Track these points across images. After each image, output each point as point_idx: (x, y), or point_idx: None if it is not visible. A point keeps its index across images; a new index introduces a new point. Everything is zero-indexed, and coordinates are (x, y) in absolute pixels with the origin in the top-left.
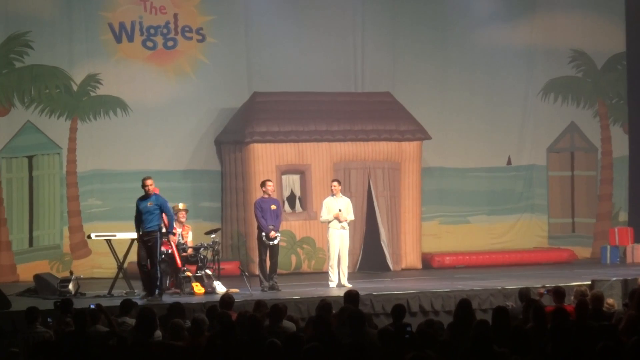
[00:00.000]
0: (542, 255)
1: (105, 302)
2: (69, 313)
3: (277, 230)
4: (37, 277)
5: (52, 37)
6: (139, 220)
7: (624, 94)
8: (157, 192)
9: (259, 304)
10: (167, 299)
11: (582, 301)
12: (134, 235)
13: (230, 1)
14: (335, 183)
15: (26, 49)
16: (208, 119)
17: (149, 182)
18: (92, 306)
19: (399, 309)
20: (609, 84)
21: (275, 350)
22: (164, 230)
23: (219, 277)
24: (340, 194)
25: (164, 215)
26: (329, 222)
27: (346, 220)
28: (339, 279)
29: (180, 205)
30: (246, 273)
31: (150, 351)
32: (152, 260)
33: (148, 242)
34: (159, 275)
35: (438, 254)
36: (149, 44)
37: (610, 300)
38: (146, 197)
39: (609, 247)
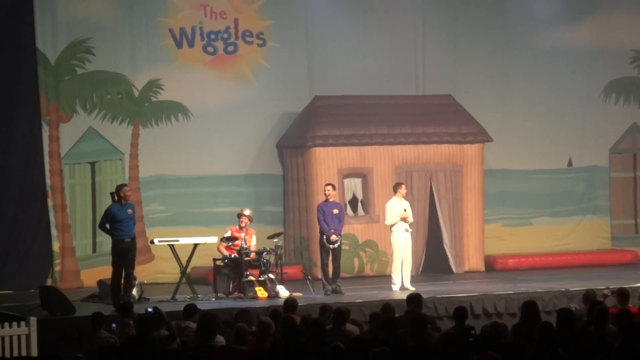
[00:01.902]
0: (605, 256)
1: (169, 307)
2: (129, 316)
3: (339, 234)
4: (101, 283)
5: (113, 43)
6: (115, 228)
7: None
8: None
9: (325, 308)
10: (231, 303)
11: None
12: (198, 240)
13: (290, 5)
14: (329, 187)
15: (88, 55)
16: (269, 124)
17: (127, 188)
18: (149, 309)
19: (461, 311)
20: None
21: (339, 353)
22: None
23: (281, 281)
24: (402, 198)
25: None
26: (395, 224)
27: (410, 222)
28: (402, 282)
29: (247, 212)
30: (309, 277)
31: (213, 355)
32: (133, 266)
33: (133, 249)
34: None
35: (501, 256)
36: (210, 49)
37: None
38: (124, 204)
39: None
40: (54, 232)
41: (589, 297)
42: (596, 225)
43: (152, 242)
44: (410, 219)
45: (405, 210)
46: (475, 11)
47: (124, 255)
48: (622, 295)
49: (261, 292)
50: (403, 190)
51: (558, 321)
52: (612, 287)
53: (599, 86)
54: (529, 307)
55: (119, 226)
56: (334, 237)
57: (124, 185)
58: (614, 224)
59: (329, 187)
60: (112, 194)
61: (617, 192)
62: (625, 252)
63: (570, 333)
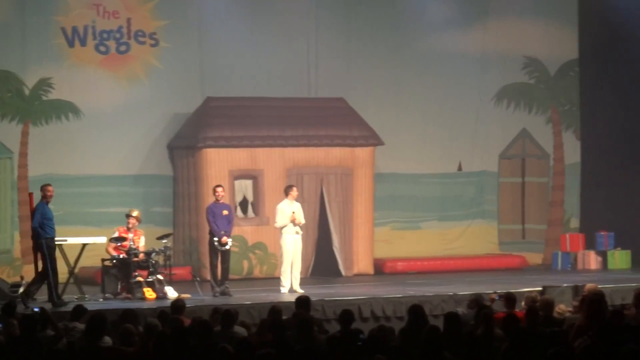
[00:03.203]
0: (493, 261)
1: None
2: (13, 317)
3: (229, 236)
4: None
5: (4, 41)
6: (47, 225)
7: (576, 101)
8: None
9: (216, 310)
10: (118, 304)
11: (532, 307)
12: (86, 240)
13: (184, 6)
14: (220, 189)
15: None
16: (161, 124)
17: (51, 188)
18: (36, 309)
19: (347, 315)
20: (561, 90)
21: (226, 355)
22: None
23: (170, 282)
24: (294, 200)
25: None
26: (285, 226)
27: (300, 224)
28: (291, 284)
29: (134, 213)
30: (198, 278)
31: (100, 356)
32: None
33: (55, 247)
34: None
35: (390, 259)
36: (102, 48)
37: (561, 306)
38: (47, 203)
39: (560, 253)
40: None
41: (476, 301)
42: (484, 230)
43: None
44: (302, 221)
45: (294, 212)
46: (369, 15)
47: (55, 252)
48: (509, 299)
49: (149, 293)
50: (294, 192)
51: (445, 325)
52: (499, 291)
53: (490, 91)
54: (415, 311)
55: (50, 224)
56: (225, 239)
57: (49, 185)
58: (501, 229)
59: (220, 189)
60: (31, 194)
61: (506, 197)
62: (513, 257)
63: (457, 337)
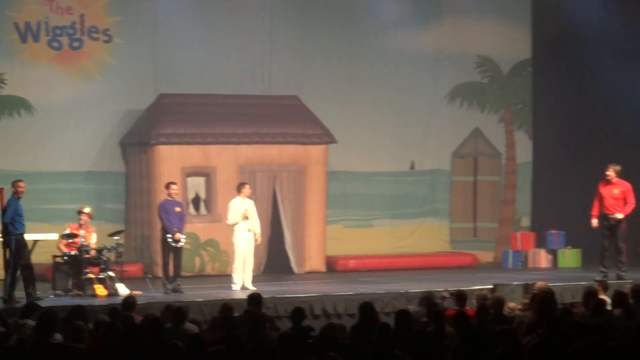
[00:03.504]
0: (445, 259)
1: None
2: None
3: (181, 233)
4: None
5: None
6: (18, 221)
7: (529, 100)
8: None
9: (168, 307)
10: (69, 300)
11: (482, 305)
12: (37, 236)
13: (137, 2)
14: (175, 186)
15: None
16: (113, 121)
17: (23, 184)
18: None
19: (298, 312)
20: (514, 90)
21: (177, 352)
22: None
23: (121, 279)
24: (246, 197)
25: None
26: (236, 224)
27: (256, 235)
28: (242, 281)
29: (86, 210)
30: (149, 275)
31: (50, 353)
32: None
33: (26, 244)
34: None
35: (342, 257)
36: (55, 44)
37: (511, 304)
38: (19, 199)
39: (511, 251)
40: None
41: (427, 299)
42: (436, 228)
43: None
44: (255, 219)
45: (246, 209)
46: (324, 12)
47: (25, 249)
48: (460, 297)
49: (100, 290)
50: (247, 190)
51: (396, 322)
52: (450, 289)
53: (444, 90)
54: (366, 308)
55: (21, 220)
56: (178, 236)
57: (20, 180)
58: (453, 227)
59: (175, 186)
60: (1, 189)
61: (458, 195)
62: (464, 255)
63: (408, 334)
